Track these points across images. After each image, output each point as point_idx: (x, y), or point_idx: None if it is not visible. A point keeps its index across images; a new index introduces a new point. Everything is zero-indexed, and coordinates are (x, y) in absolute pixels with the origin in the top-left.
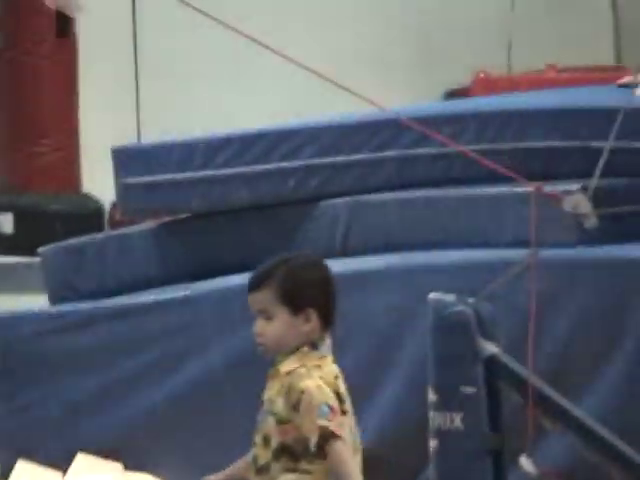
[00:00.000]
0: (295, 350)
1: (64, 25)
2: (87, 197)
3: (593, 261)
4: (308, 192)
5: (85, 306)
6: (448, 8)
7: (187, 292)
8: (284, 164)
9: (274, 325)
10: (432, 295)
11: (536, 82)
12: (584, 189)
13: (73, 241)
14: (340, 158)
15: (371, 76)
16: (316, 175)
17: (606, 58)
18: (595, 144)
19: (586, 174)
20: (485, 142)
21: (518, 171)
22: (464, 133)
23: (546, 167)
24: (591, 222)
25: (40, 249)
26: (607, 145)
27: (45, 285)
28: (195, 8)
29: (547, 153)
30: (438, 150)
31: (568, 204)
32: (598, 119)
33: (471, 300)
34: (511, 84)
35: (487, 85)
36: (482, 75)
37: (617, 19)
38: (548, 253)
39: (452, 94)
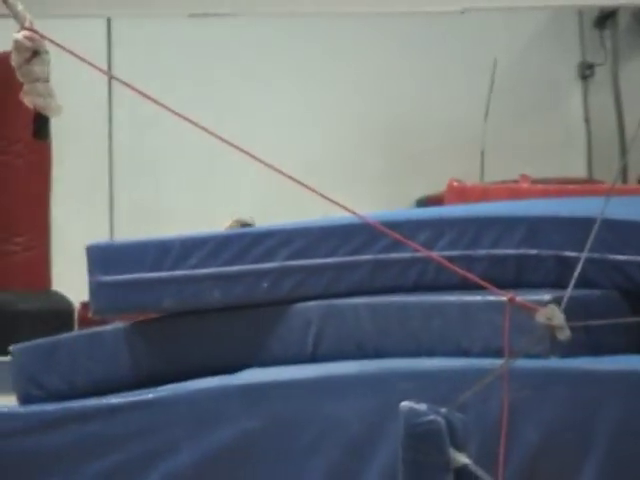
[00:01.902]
0: None
1: (41, 126)
2: (57, 296)
3: (565, 372)
4: (281, 294)
5: (53, 407)
6: (421, 116)
7: (157, 393)
8: (258, 265)
9: None
10: (404, 403)
11: (510, 192)
12: (557, 300)
13: (43, 340)
14: (314, 261)
15: (342, 182)
16: (290, 277)
17: (579, 171)
18: (569, 254)
19: (559, 284)
20: (460, 249)
21: (492, 278)
22: (439, 239)
23: (518, 275)
24: (564, 334)
25: (11, 347)
26: (583, 255)
27: (13, 383)
28: (170, 109)
29: (520, 261)
30: (412, 256)
31: (541, 316)
32: (573, 229)
33: (443, 409)
34: (485, 193)
35: (460, 194)
36: (455, 184)
37: (589, 132)
38: (520, 363)
39: (424, 202)
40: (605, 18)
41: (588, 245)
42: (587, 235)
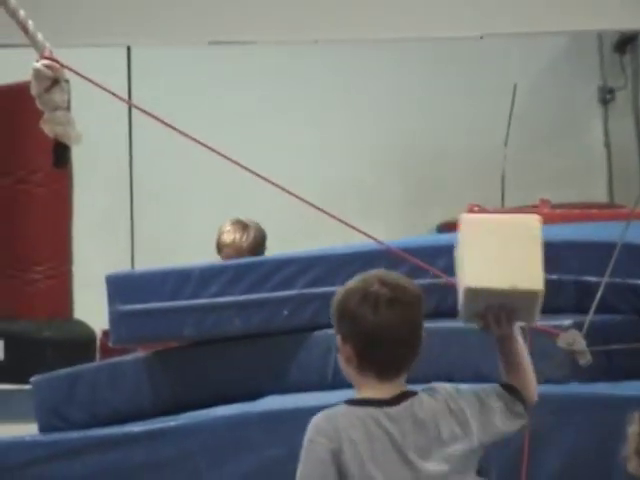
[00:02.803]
0: None
1: (61, 154)
2: (79, 324)
3: (586, 398)
4: (302, 322)
5: (75, 435)
6: (441, 141)
7: (178, 421)
8: (278, 293)
9: None
10: None
11: None
12: (578, 326)
13: (64, 370)
14: (334, 288)
15: (362, 209)
16: (310, 305)
17: (600, 195)
18: (589, 278)
19: (579, 308)
20: None
21: None
22: None
23: None
24: (586, 359)
25: (32, 379)
26: (603, 280)
27: (36, 413)
28: (190, 137)
29: None
30: (431, 282)
31: (563, 341)
32: (592, 254)
33: None
34: None
35: None
36: (475, 209)
37: (610, 157)
38: (541, 389)
39: (445, 228)
40: (625, 42)
41: (609, 270)
42: (607, 260)
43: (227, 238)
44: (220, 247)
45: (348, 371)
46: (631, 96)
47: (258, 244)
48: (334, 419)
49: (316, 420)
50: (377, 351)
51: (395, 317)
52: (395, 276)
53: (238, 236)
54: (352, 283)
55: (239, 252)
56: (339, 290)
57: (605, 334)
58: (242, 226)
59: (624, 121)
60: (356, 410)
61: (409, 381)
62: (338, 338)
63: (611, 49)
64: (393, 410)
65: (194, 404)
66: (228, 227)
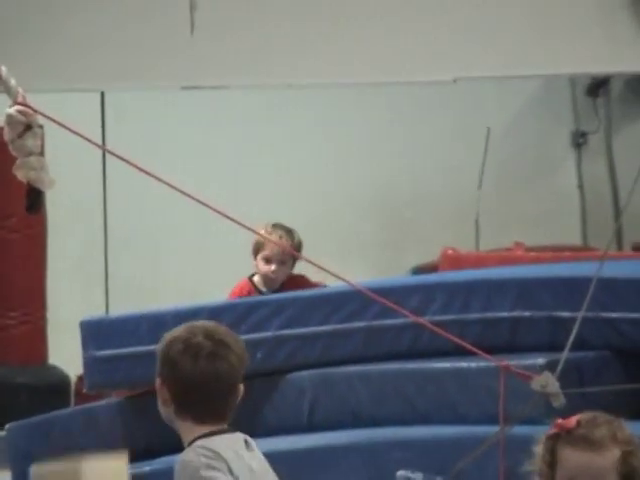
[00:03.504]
0: None
1: (35, 199)
2: (53, 369)
3: None
4: (275, 364)
5: None
6: (415, 184)
7: (152, 467)
8: (253, 335)
9: None
10: (400, 473)
11: (504, 259)
12: (552, 365)
13: (39, 416)
14: (308, 329)
15: (337, 251)
16: (284, 346)
17: (573, 238)
18: (562, 314)
19: (552, 344)
20: (452, 313)
21: (486, 341)
22: (431, 304)
23: (512, 337)
24: (559, 401)
25: (6, 425)
26: (579, 315)
27: (9, 460)
28: (164, 181)
29: (514, 323)
30: (404, 322)
31: (536, 384)
32: (565, 289)
33: (439, 478)
34: (479, 261)
35: (455, 262)
36: (450, 252)
37: (584, 200)
38: (517, 429)
39: (419, 270)
40: (598, 86)
41: (586, 303)
42: (579, 295)
43: (274, 235)
44: (261, 246)
45: (165, 413)
46: (604, 139)
47: (299, 248)
48: (205, 450)
49: (195, 454)
50: (192, 398)
51: (213, 371)
52: (222, 331)
53: (284, 234)
54: (178, 331)
55: (284, 251)
56: (165, 335)
57: (579, 372)
58: (286, 229)
59: (597, 164)
60: None
61: (386, 423)
62: (158, 381)
63: (584, 93)
64: None
65: (168, 449)
66: (269, 229)
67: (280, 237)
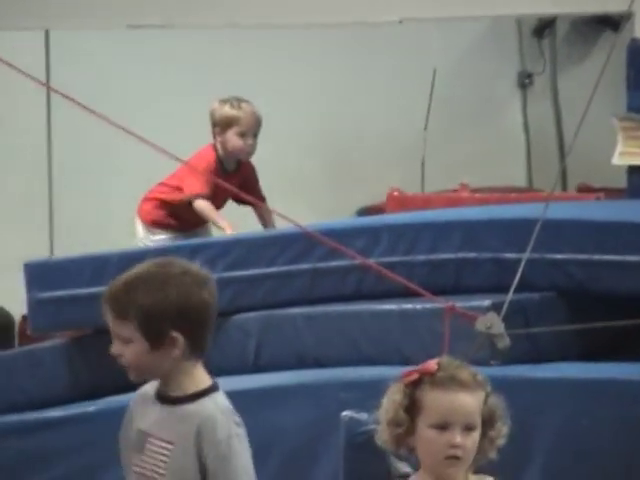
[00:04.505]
0: None
1: None
2: None
3: (506, 380)
4: (221, 305)
5: None
6: (361, 126)
7: (97, 406)
8: None
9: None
10: (344, 413)
11: (450, 201)
12: (497, 306)
13: None
14: (253, 271)
15: (283, 193)
16: (229, 288)
17: (519, 179)
18: (507, 255)
19: (498, 286)
20: (398, 255)
21: (432, 283)
22: (376, 246)
23: (458, 279)
24: (504, 343)
25: None
26: (524, 257)
27: None
28: (109, 120)
29: (459, 265)
30: (350, 263)
31: (481, 324)
32: (510, 231)
33: None
34: (425, 202)
35: (401, 203)
36: (396, 193)
37: (529, 141)
38: None
39: (365, 212)
40: (543, 27)
41: (530, 245)
42: (524, 237)
43: (247, 107)
44: (235, 120)
45: (169, 365)
46: (549, 81)
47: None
48: (230, 409)
49: (223, 414)
50: (203, 333)
51: (214, 302)
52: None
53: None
54: (171, 266)
55: (259, 123)
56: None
57: (524, 314)
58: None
59: (542, 105)
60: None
61: (331, 364)
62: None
63: (530, 34)
64: None
65: (114, 390)
66: (235, 102)
67: (252, 111)
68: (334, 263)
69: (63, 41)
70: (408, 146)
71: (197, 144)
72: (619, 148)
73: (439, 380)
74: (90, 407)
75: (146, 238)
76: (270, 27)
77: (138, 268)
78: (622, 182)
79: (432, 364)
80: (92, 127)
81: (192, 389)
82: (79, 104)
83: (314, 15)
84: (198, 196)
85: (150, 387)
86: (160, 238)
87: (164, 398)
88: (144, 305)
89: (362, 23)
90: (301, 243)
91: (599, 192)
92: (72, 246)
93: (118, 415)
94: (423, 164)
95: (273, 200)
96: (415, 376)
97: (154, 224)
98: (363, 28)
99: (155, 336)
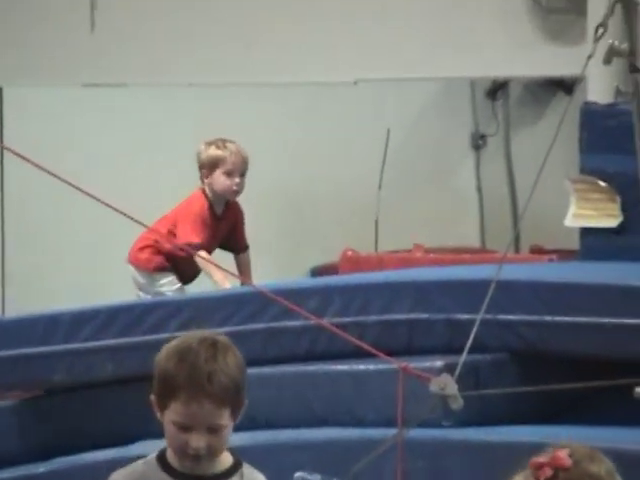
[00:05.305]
0: None
1: None
2: None
3: (458, 443)
4: None
5: None
6: (315, 185)
7: (49, 467)
8: (150, 337)
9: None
10: (297, 474)
11: (404, 261)
12: (450, 367)
13: None
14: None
15: None
16: None
17: (472, 239)
18: (459, 316)
19: (450, 347)
20: (350, 315)
21: (384, 343)
22: (329, 306)
23: (410, 339)
24: (457, 404)
25: None
26: (478, 317)
27: None
28: (62, 179)
29: (412, 325)
30: (303, 324)
31: (435, 386)
32: (462, 292)
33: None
34: (379, 262)
35: (354, 263)
36: (350, 253)
37: (482, 202)
38: (415, 432)
39: (319, 271)
40: (497, 89)
41: (484, 306)
42: (477, 298)
43: (233, 146)
44: (221, 160)
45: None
46: (502, 142)
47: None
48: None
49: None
50: None
51: None
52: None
53: (238, 146)
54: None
55: (246, 162)
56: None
57: (477, 374)
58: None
59: (495, 167)
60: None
61: (283, 426)
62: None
63: (483, 96)
64: None
65: (65, 450)
66: (220, 143)
67: (237, 150)
68: (288, 323)
69: (17, 98)
70: (362, 206)
71: (152, 199)
72: (572, 210)
73: (573, 476)
74: (40, 468)
75: (150, 285)
76: (224, 86)
77: (198, 345)
78: (575, 244)
79: (566, 458)
80: (45, 184)
81: (229, 461)
82: (32, 162)
83: (270, 75)
84: (197, 246)
85: (142, 467)
86: (167, 281)
87: (199, 478)
88: (239, 383)
89: (317, 83)
90: (255, 303)
91: (552, 254)
92: (23, 305)
93: (67, 476)
94: (377, 224)
95: (226, 258)
96: (549, 473)
97: (157, 270)
98: (318, 88)
99: (239, 411)
